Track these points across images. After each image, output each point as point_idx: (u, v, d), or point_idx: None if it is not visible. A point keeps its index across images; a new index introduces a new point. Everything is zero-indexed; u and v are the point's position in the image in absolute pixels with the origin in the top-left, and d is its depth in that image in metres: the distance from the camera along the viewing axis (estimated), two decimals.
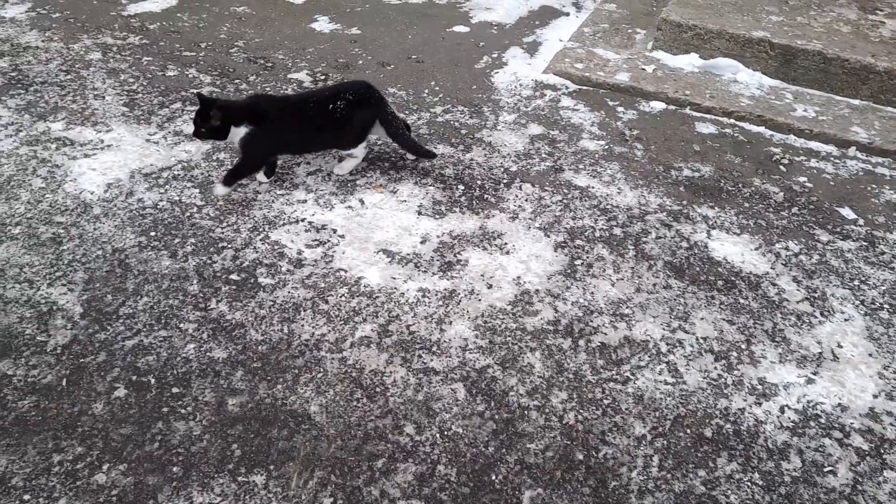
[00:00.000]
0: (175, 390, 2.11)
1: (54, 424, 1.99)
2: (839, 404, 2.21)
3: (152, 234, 2.68)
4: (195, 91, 2.79)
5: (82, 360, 2.17)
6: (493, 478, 1.94)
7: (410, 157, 3.15)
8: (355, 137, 2.95)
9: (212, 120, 2.70)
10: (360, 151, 3.01)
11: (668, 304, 2.53)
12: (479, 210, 2.91)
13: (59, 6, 4.24)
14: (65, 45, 3.85)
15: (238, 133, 2.76)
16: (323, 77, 3.74)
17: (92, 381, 2.11)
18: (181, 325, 2.33)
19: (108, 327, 2.30)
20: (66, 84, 3.52)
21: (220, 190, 2.89)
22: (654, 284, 2.61)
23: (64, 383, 2.10)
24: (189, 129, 3.24)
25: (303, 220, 2.80)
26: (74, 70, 3.63)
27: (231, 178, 2.90)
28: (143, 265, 2.54)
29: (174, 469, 1.90)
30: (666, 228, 2.87)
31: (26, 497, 1.81)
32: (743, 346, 2.38)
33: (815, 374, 2.31)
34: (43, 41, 3.87)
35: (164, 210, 2.80)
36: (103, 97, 3.43)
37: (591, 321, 2.44)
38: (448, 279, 2.58)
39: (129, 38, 3.96)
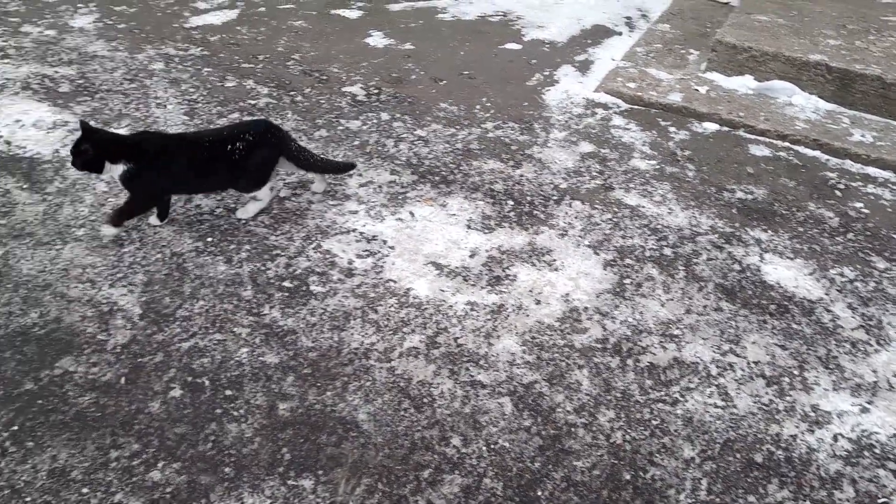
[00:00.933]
0: (228, 392, 2.16)
1: (112, 421, 2.05)
2: (895, 434, 2.16)
3: (209, 239, 2.75)
4: (81, 119, 2.67)
5: (140, 359, 2.23)
6: (539, 493, 1.94)
7: (329, 178, 3.09)
8: (256, 180, 2.79)
9: (84, 153, 2.53)
10: (263, 194, 2.84)
11: (718, 327, 2.50)
12: (529, 226, 2.92)
13: (125, 17, 4.38)
14: (129, 54, 3.98)
15: (116, 170, 2.57)
16: (376, 91, 3.80)
17: (149, 380, 2.17)
18: (235, 329, 2.38)
19: (166, 329, 2.36)
20: (129, 92, 3.64)
21: (107, 230, 2.72)
22: (705, 306, 2.58)
23: (122, 381, 2.16)
24: None
25: (354, 231, 2.85)
26: (138, 79, 3.75)
27: (118, 218, 2.69)
28: (199, 269, 2.61)
29: (226, 470, 1.94)
30: (717, 250, 2.85)
31: (84, 490, 1.87)
32: (795, 372, 2.35)
33: (869, 403, 2.26)
34: (109, 51, 4.01)
35: (221, 216, 2.87)
36: (165, 106, 3.54)
37: (640, 341, 2.43)
38: (496, 293, 2.59)
39: (190, 50, 4.08)
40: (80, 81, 3.69)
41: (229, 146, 2.67)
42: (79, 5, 4.49)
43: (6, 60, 3.83)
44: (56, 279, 2.52)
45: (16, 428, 2.01)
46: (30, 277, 2.52)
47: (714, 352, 2.40)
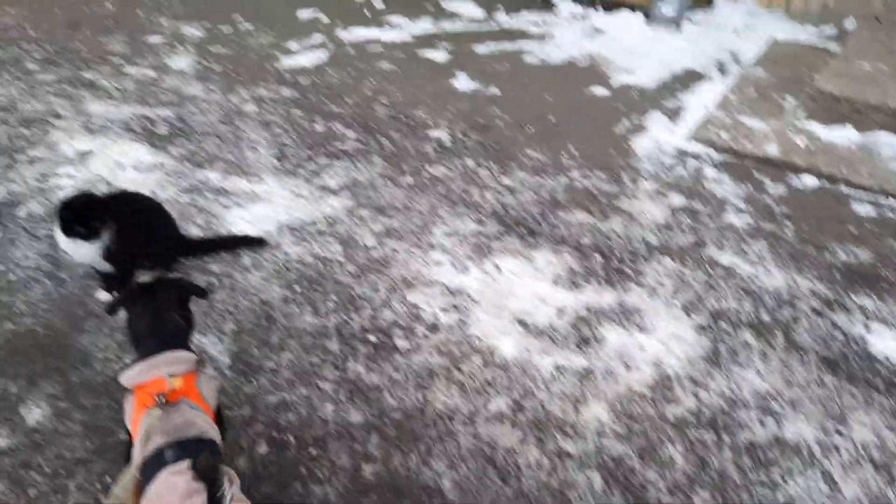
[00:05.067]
0: (313, 451, 2.15)
1: None
2: None
3: (297, 288, 2.78)
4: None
5: (228, 411, 2.24)
6: None
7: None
8: None
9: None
10: None
11: (821, 403, 2.36)
12: (617, 283, 2.85)
13: (221, 59, 4.53)
14: (224, 96, 4.10)
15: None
16: (462, 136, 3.79)
17: (237, 434, 2.18)
18: (320, 383, 2.38)
19: (254, 380, 2.38)
20: (223, 134, 3.74)
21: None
22: (806, 379, 2.45)
23: None
24: (334, 183, 3.37)
25: (439, 283, 2.83)
26: (232, 121, 3.86)
27: None
28: (287, 319, 2.63)
29: None
30: (818, 317, 2.70)
31: None
32: None
33: None
34: (205, 92, 4.14)
35: (309, 265, 2.89)
36: (256, 149, 3.62)
37: (737, 414, 2.32)
38: (584, 356, 2.52)
39: (281, 92, 4.18)
40: (178, 123, 3.81)
41: None
42: (177, 46, 4.66)
43: (109, 101, 4.00)
44: None
45: (109, 479, 2.05)
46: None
47: (817, 430, 2.27)
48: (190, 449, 1.62)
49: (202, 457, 1.55)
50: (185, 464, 1.57)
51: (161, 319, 1.91)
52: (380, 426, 2.24)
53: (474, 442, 2.20)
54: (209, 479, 1.51)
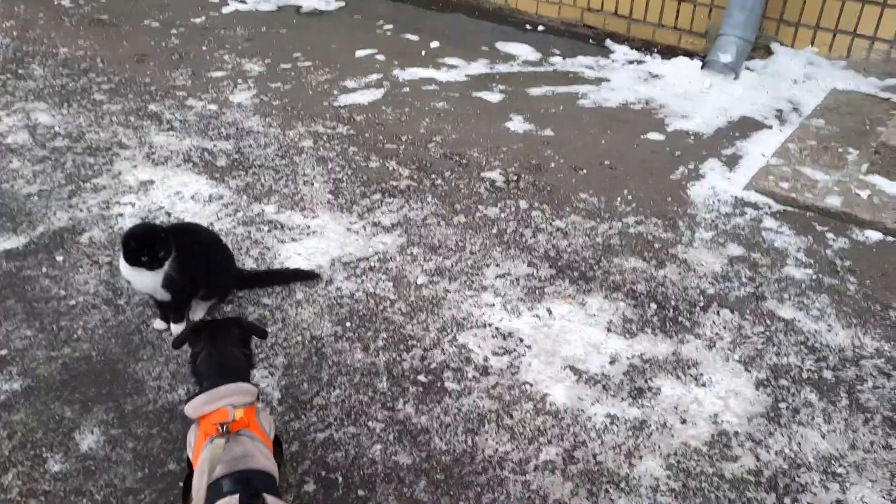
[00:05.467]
0: (360, 492, 2.13)
1: None
2: None
3: (347, 324, 2.77)
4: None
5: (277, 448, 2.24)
6: None
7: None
8: None
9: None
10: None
11: (888, 468, 2.26)
12: (673, 333, 2.78)
13: (280, 94, 4.62)
14: (282, 131, 4.18)
15: None
16: (515, 178, 3.79)
17: (285, 471, 2.17)
18: (369, 423, 2.36)
19: (303, 416, 2.37)
20: (280, 168, 3.80)
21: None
22: (872, 442, 2.35)
23: None
24: (387, 220, 3.38)
25: (490, 325, 2.80)
26: (288, 156, 3.92)
27: None
28: (337, 356, 2.62)
29: None
30: (885, 378, 2.60)
31: None
32: None
33: None
34: (263, 126, 4.22)
35: (360, 301, 2.89)
36: (312, 183, 3.67)
37: (799, 476, 2.23)
38: (638, 407, 2.46)
39: (337, 128, 4.24)
40: (237, 156, 3.89)
41: None
42: (239, 81, 4.78)
43: (172, 133, 4.11)
44: None
45: None
46: (180, 352, 2.61)
47: (884, 498, 2.17)
48: (247, 481, 1.65)
49: (252, 494, 1.57)
50: (236, 498, 1.59)
51: (223, 355, 1.95)
52: (428, 470, 2.21)
53: (524, 491, 2.15)
54: None
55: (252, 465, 1.71)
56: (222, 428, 1.74)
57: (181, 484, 2.02)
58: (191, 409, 1.85)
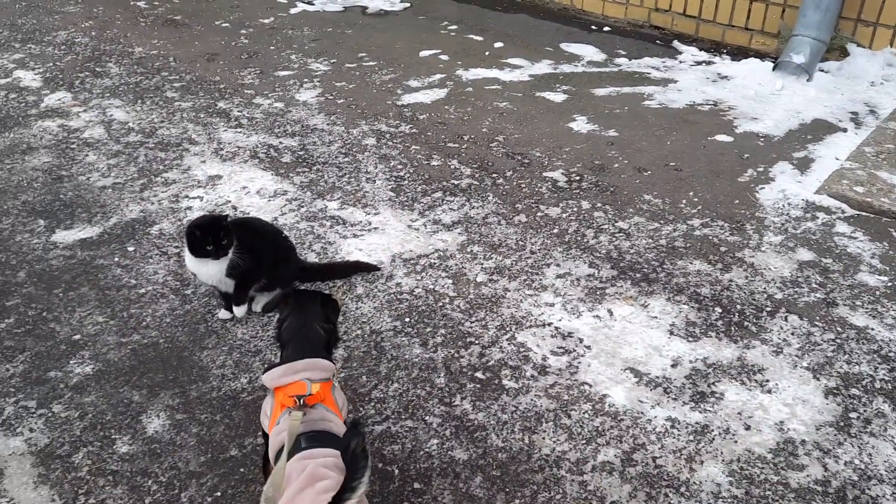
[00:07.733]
0: (416, 486, 2.13)
1: None
2: None
3: (407, 320, 2.79)
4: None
5: None
6: None
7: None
8: None
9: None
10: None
11: None
12: (738, 338, 2.71)
13: (345, 93, 4.69)
14: (345, 129, 4.23)
15: None
16: (578, 178, 3.75)
17: None
18: (426, 417, 2.37)
19: (361, 409, 2.39)
20: (343, 166, 3.85)
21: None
22: None
23: None
24: (447, 218, 3.39)
25: (549, 325, 2.78)
26: (352, 153, 3.97)
27: None
28: (396, 350, 2.64)
29: None
30: None
31: None
32: None
33: None
34: (328, 124, 4.28)
35: (419, 297, 2.91)
36: (374, 181, 3.70)
37: (869, 489, 2.14)
38: (700, 412, 2.40)
39: (400, 127, 4.27)
40: (301, 153, 3.96)
41: None
42: (304, 80, 4.86)
43: (239, 130, 4.21)
44: (266, 345, 2.65)
45: (219, 494, 2.10)
46: (243, 342, 2.67)
47: None
48: (323, 440, 1.69)
49: (356, 436, 1.55)
50: (315, 451, 1.64)
51: (306, 327, 1.99)
52: (484, 466, 2.20)
53: (581, 492, 2.12)
54: (356, 461, 1.52)
55: (329, 429, 1.75)
56: (299, 401, 1.77)
57: (261, 458, 2.07)
58: (268, 378, 1.89)
